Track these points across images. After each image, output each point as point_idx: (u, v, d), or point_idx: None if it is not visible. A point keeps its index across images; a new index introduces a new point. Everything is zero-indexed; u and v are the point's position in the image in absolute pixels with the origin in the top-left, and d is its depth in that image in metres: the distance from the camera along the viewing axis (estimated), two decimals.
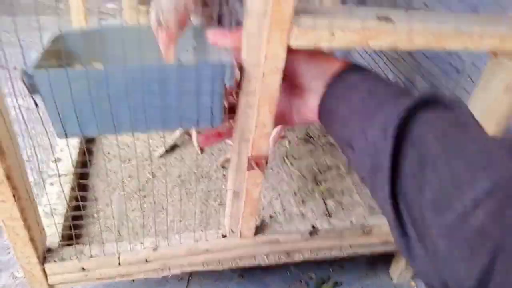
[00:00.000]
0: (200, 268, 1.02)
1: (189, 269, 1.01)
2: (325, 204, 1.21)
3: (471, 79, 1.07)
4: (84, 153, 1.27)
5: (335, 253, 1.10)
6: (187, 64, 0.70)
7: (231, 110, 0.81)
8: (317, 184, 1.28)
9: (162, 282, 1.19)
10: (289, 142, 1.45)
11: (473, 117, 0.41)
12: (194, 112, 0.72)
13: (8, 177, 0.71)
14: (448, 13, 0.78)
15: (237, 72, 0.71)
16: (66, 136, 0.68)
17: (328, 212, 1.18)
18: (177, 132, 1.37)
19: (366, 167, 0.43)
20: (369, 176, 0.43)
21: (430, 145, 0.37)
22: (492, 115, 0.81)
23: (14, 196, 0.74)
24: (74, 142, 1.28)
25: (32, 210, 0.81)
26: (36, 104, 0.63)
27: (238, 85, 0.73)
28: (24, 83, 0.60)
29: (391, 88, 0.48)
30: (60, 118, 0.65)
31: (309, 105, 0.57)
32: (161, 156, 1.33)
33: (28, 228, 0.80)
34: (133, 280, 1.18)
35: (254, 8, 0.65)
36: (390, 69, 1.48)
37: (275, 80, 0.71)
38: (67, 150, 1.22)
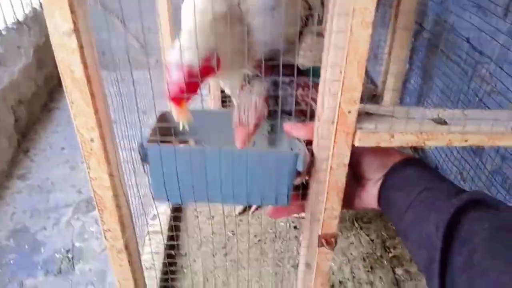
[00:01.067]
0: None
1: None
2: (394, 272, 1.27)
3: None
4: (175, 210, 1.47)
5: None
6: (269, 151, 0.84)
7: (304, 189, 0.93)
8: (386, 250, 1.34)
9: None
10: None
11: None
12: (271, 191, 0.85)
13: (127, 247, 0.90)
14: (505, 110, 0.84)
15: (309, 158, 0.84)
16: (168, 200, 0.83)
17: (396, 281, 1.23)
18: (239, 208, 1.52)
19: (423, 258, 0.49)
20: (425, 267, 0.49)
21: (478, 246, 0.42)
22: None
23: (129, 262, 0.92)
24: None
25: (140, 271, 0.99)
26: (145, 170, 0.81)
27: (309, 170, 0.86)
28: (139, 153, 0.78)
29: (445, 185, 0.55)
30: (164, 185, 0.81)
31: (370, 193, 0.67)
32: (240, 213, 1.48)
33: (136, 285, 0.98)
34: None
35: (324, 116, 0.78)
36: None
37: (342, 173, 0.83)
38: (162, 208, 1.42)
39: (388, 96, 1.97)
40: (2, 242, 1.63)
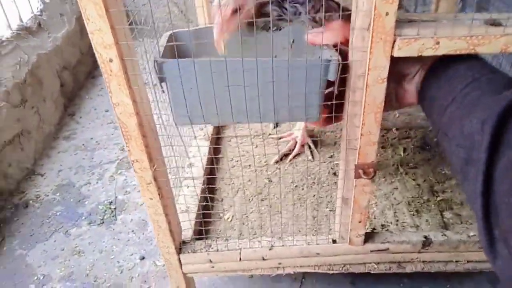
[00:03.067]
0: (311, 270, 1.08)
1: (301, 269, 1.08)
2: (442, 216, 1.18)
3: None
4: (212, 160, 1.45)
5: (450, 267, 1.06)
6: (298, 61, 0.75)
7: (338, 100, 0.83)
8: (433, 194, 1.25)
9: (278, 280, 1.28)
10: (405, 149, 1.43)
11: None
12: (301, 105, 0.77)
13: (155, 179, 0.88)
14: None
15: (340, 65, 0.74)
16: (190, 123, 0.77)
17: (444, 224, 1.15)
18: (290, 141, 1.47)
19: (460, 158, 0.43)
20: (461, 168, 0.43)
21: None
22: None
23: (159, 194, 0.90)
24: (204, 150, 1.46)
25: (172, 207, 0.98)
26: (163, 91, 0.74)
27: (342, 79, 0.77)
28: (155, 71, 0.70)
29: (497, 76, 0.48)
30: (186, 105, 0.74)
31: (409, 90, 0.59)
32: (276, 162, 1.44)
33: (169, 222, 0.97)
34: (251, 276, 1.30)
35: (358, 23, 0.70)
36: None
37: (380, 89, 0.75)
38: (199, 156, 1.41)
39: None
40: (50, 196, 1.70)
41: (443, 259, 1.05)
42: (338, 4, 0.88)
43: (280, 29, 0.90)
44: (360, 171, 0.86)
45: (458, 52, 0.70)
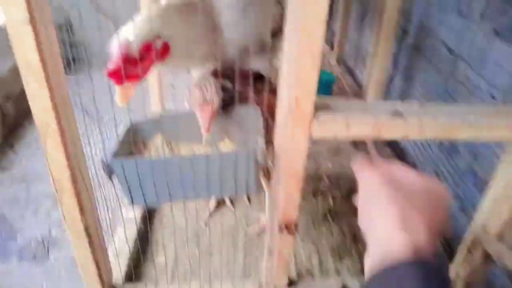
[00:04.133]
0: None
1: None
2: (362, 263, 1.28)
3: None
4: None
5: None
6: (227, 152, 0.87)
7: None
8: (356, 242, 1.36)
9: None
10: (333, 198, 1.54)
11: None
12: (233, 184, 0.88)
13: (86, 227, 0.91)
14: (462, 105, 0.86)
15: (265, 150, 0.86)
16: (133, 204, 0.89)
17: (363, 271, 1.24)
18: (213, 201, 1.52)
19: None
20: None
21: None
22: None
23: (89, 243, 0.93)
24: None
25: (102, 255, 1.00)
26: (112, 183, 0.85)
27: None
28: (104, 169, 0.82)
29: None
30: (130, 193, 0.85)
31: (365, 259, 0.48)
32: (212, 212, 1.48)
33: (98, 268, 0.99)
34: None
35: (282, 105, 0.79)
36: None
37: (299, 163, 0.84)
38: None
39: (371, 99, 1.99)
40: None
41: None
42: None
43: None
44: (284, 226, 0.94)
45: (366, 136, 0.82)
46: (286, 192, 0.89)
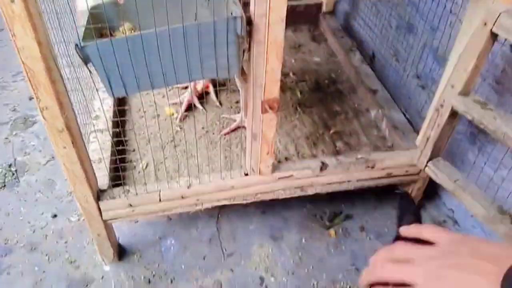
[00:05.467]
0: (227, 202, 1.19)
1: (218, 203, 1.18)
2: (335, 145, 1.36)
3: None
4: (118, 112, 1.44)
5: (344, 187, 1.25)
6: (205, 21, 0.82)
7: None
8: (327, 128, 1.42)
9: (195, 218, 1.37)
10: (301, 92, 1.58)
11: None
12: (213, 62, 0.86)
13: (68, 127, 0.88)
14: None
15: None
16: (113, 95, 0.85)
17: (337, 152, 1.33)
18: (186, 93, 1.50)
19: None
20: None
21: None
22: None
23: (72, 143, 0.90)
24: (109, 101, 1.44)
25: (86, 156, 0.98)
26: (90, 72, 0.80)
27: (250, 35, 0.86)
28: (78, 55, 0.76)
29: None
30: (108, 81, 0.81)
31: None
32: (181, 120, 1.46)
33: (85, 170, 0.97)
34: (170, 218, 1.37)
35: None
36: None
37: (279, 29, 0.84)
38: (104, 107, 1.39)
39: None
40: None
41: (337, 180, 1.23)
42: None
43: None
44: (266, 106, 0.96)
45: None
46: (267, 67, 0.89)
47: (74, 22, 0.81)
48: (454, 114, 1.01)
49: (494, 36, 0.86)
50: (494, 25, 0.83)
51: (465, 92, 0.97)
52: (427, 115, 1.14)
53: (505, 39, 0.98)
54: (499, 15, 0.81)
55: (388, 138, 1.39)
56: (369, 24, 1.78)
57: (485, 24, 0.84)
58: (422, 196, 1.37)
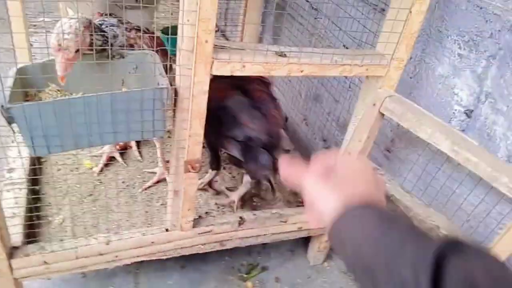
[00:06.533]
0: (147, 258, 1.20)
1: (137, 259, 1.19)
2: (252, 200, 1.45)
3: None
4: (34, 163, 1.40)
5: (260, 240, 1.34)
6: (133, 90, 0.90)
7: None
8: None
9: (112, 275, 1.35)
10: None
11: (503, 265, 0.39)
12: (139, 127, 0.92)
13: None
14: (328, 48, 1.05)
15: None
16: (35, 154, 0.87)
17: (254, 207, 1.42)
18: (107, 147, 1.51)
19: None
20: None
21: None
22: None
23: None
24: (25, 153, 1.40)
25: (1, 216, 0.96)
26: (14, 131, 0.82)
27: (175, 103, 0.95)
28: (3, 116, 0.79)
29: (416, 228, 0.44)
30: (32, 141, 0.83)
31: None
32: (100, 171, 1.46)
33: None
34: (85, 275, 1.33)
35: (184, 46, 0.87)
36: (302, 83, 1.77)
37: (203, 100, 0.94)
38: (19, 160, 1.35)
39: None
40: None
41: (254, 234, 1.31)
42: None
43: (124, 57, 1.04)
44: (189, 166, 1.04)
45: (258, 74, 0.95)
46: (191, 131, 0.98)
47: (1, 83, 0.82)
48: None
49: (382, 115, 1.04)
50: (381, 106, 1.01)
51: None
52: None
53: None
54: (385, 99, 0.99)
55: (299, 194, 1.52)
56: (282, 91, 1.97)
57: (374, 104, 1.02)
58: (329, 247, 1.51)
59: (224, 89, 1.21)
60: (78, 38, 0.92)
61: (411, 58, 1.17)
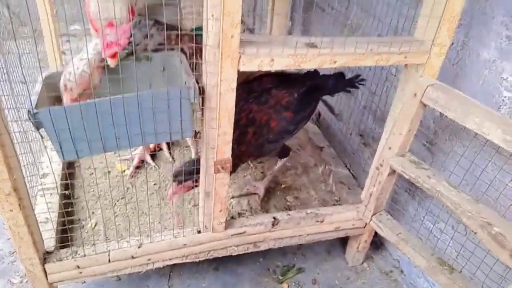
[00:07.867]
0: (179, 260, 1.17)
1: (170, 262, 1.17)
2: (286, 200, 1.40)
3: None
4: (67, 168, 1.41)
5: (295, 241, 1.29)
6: (159, 90, 0.87)
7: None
8: (278, 183, 1.47)
9: (146, 278, 1.33)
10: None
11: None
12: (167, 127, 0.90)
13: (15, 189, 0.86)
14: (363, 37, 0.99)
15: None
16: (64, 159, 0.86)
17: (288, 206, 1.37)
18: (138, 150, 1.51)
19: None
20: None
21: None
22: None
23: (19, 205, 0.88)
24: (57, 158, 1.41)
25: (33, 218, 0.96)
26: (42, 137, 0.81)
27: (202, 102, 0.92)
28: (31, 121, 0.78)
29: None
30: (60, 146, 0.82)
31: None
32: (132, 176, 1.46)
33: (31, 232, 0.94)
34: (119, 278, 1.33)
35: (210, 42, 0.83)
36: None
37: (231, 97, 0.90)
38: (52, 166, 1.36)
39: None
40: None
41: (289, 235, 1.26)
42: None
43: (150, 59, 1.04)
44: (219, 166, 1.00)
45: (288, 68, 0.90)
46: (219, 131, 0.94)
47: (28, 90, 0.82)
48: (392, 173, 1.10)
49: (424, 105, 0.97)
50: (423, 96, 0.93)
51: (401, 153, 1.06)
52: (369, 173, 1.22)
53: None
54: (426, 88, 0.92)
55: (335, 192, 1.46)
56: None
57: (415, 95, 0.95)
58: (369, 247, 1.43)
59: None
60: (83, 80, 0.96)
61: (452, 43, 1.09)
